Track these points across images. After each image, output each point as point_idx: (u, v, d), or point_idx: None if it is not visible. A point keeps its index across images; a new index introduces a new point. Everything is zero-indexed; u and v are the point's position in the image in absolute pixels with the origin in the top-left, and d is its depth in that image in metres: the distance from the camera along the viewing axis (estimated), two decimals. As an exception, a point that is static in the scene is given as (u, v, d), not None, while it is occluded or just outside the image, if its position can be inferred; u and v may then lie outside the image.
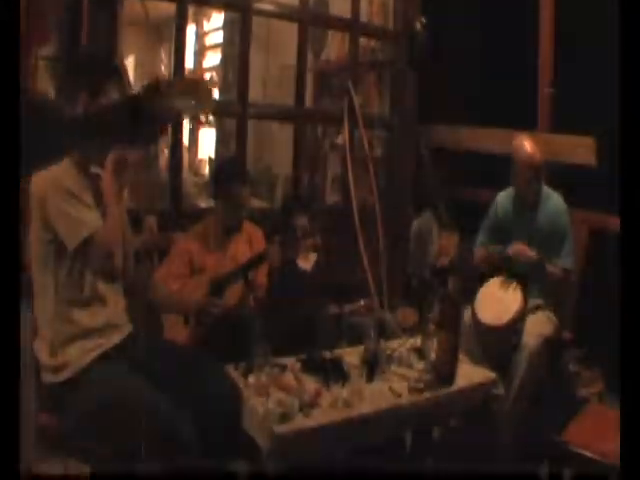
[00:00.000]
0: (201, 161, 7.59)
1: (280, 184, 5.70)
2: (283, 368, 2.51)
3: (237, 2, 3.89)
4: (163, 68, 7.97)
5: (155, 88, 2.19)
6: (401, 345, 2.87)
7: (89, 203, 2.16)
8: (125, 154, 2.18)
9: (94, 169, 2.24)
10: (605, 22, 2.92)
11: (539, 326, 3.05)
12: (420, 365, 2.68)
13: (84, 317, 2.16)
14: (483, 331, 3.04)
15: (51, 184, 2.11)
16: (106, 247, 2.09)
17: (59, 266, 2.13)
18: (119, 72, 2.34)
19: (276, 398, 2.26)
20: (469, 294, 3.15)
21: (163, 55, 8.03)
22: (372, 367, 2.55)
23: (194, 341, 2.82)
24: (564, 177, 3.55)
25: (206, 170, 7.11)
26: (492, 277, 3.22)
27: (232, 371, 2.46)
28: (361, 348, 2.68)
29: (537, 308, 3.16)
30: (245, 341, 2.66)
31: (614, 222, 3.03)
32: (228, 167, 3.15)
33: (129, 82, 5.69)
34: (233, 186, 2.97)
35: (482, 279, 3.25)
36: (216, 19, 7.43)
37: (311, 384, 2.41)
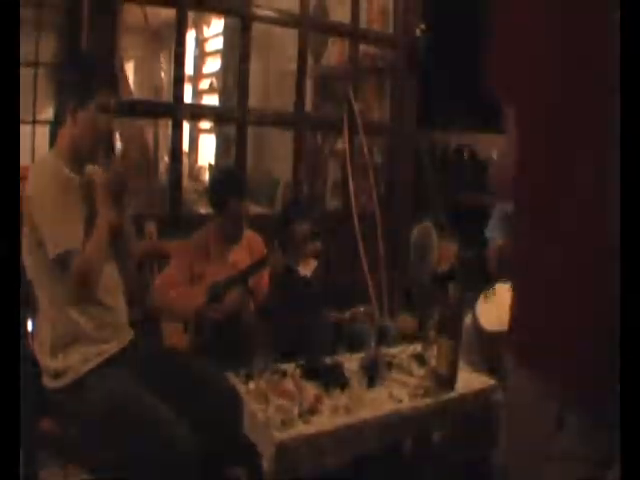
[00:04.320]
0: (201, 167, 7.60)
1: (280, 190, 5.71)
2: (283, 374, 2.51)
3: (237, 8, 3.90)
4: (163, 74, 7.99)
5: None
6: (401, 352, 2.87)
7: (74, 212, 2.10)
8: (124, 176, 2.16)
9: (89, 169, 2.22)
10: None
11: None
12: (420, 372, 2.68)
13: (84, 317, 2.14)
14: (484, 337, 3.03)
15: (39, 183, 2.07)
16: (81, 271, 2.03)
17: (54, 266, 2.07)
18: (113, 77, 2.31)
19: (276, 404, 2.26)
20: (471, 300, 3.14)
21: (163, 61, 8.05)
22: (372, 374, 2.55)
23: (194, 348, 2.81)
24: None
25: (206, 176, 7.12)
26: (495, 282, 3.22)
27: (232, 377, 2.45)
28: (361, 355, 2.68)
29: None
30: (245, 347, 2.66)
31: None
32: (225, 181, 3.10)
33: (128, 87, 5.72)
34: (231, 202, 2.95)
35: (484, 285, 3.25)
36: (216, 25, 7.46)
37: (311, 390, 2.41)
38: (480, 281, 3.32)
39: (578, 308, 1.29)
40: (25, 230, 2.06)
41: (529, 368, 1.37)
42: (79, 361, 2.11)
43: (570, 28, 1.31)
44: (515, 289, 1.50)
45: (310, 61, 4.92)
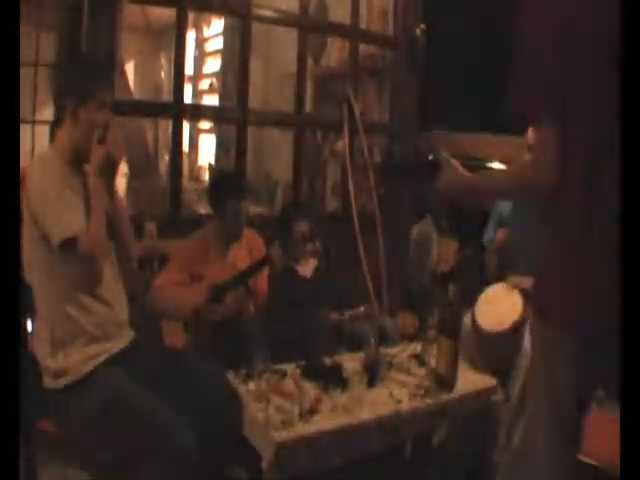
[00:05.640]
0: (201, 167, 7.61)
1: (280, 190, 5.71)
2: (283, 374, 2.51)
3: (237, 8, 3.89)
4: (163, 74, 8.00)
5: None
6: (401, 351, 2.87)
7: (75, 202, 2.10)
8: (113, 150, 2.14)
9: (87, 167, 2.22)
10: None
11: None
12: (420, 371, 2.68)
13: (84, 315, 2.14)
14: (484, 337, 3.03)
15: (39, 178, 2.06)
16: (88, 252, 2.04)
17: (54, 261, 2.08)
18: (110, 76, 2.31)
19: (276, 404, 2.26)
20: (470, 299, 3.14)
21: (163, 61, 8.06)
22: (372, 373, 2.55)
23: (194, 347, 2.81)
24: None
25: (206, 176, 7.13)
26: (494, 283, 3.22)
27: (232, 377, 2.46)
28: (361, 354, 2.68)
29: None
30: (245, 347, 2.66)
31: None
32: (225, 181, 3.11)
33: (128, 87, 5.72)
34: (230, 202, 2.96)
35: (483, 284, 3.25)
36: (216, 25, 7.46)
37: (311, 390, 2.41)
38: (480, 281, 3.33)
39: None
40: (25, 228, 2.06)
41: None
42: (79, 361, 2.11)
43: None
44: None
45: (310, 61, 4.92)
